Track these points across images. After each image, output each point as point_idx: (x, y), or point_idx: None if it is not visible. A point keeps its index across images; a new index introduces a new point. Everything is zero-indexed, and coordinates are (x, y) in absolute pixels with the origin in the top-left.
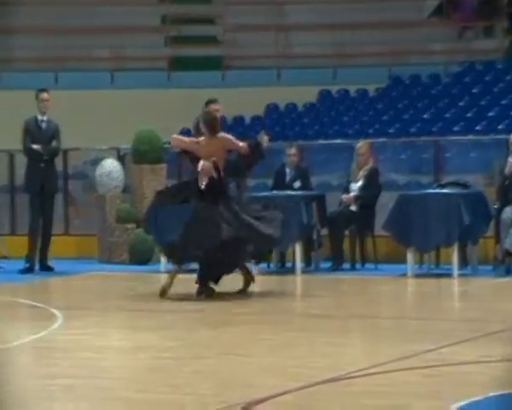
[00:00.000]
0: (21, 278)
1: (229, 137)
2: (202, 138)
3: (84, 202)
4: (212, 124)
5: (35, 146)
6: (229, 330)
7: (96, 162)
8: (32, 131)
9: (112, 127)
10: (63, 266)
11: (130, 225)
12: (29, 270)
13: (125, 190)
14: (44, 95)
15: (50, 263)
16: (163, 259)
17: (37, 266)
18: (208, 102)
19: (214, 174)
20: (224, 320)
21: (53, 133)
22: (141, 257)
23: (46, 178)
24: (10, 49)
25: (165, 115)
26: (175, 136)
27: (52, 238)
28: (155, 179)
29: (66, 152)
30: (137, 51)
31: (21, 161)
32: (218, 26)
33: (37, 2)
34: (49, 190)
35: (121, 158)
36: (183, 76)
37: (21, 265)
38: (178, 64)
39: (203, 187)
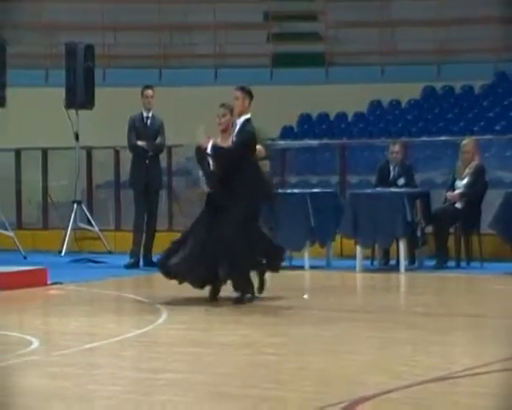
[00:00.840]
0: (126, 272)
1: None
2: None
3: (187, 198)
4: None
5: (140, 142)
6: (332, 327)
7: None
8: (138, 128)
9: (215, 123)
10: None
11: None
12: (133, 265)
13: None
14: (149, 91)
15: (154, 259)
16: None
17: (141, 262)
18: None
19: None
20: (327, 317)
21: (158, 130)
22: None
23: (151, 175)
24: (116, 46)
25: (267, 112)
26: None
27: (156, 234)
28: None
29: (170, 148)
30: (240, 48)
31: (126, 158)
32: (321, 22)
33: (151, 1)
34: (154, 187)
35: None
36: (285, 73)
37: (126, 260)
38: (281, 61)
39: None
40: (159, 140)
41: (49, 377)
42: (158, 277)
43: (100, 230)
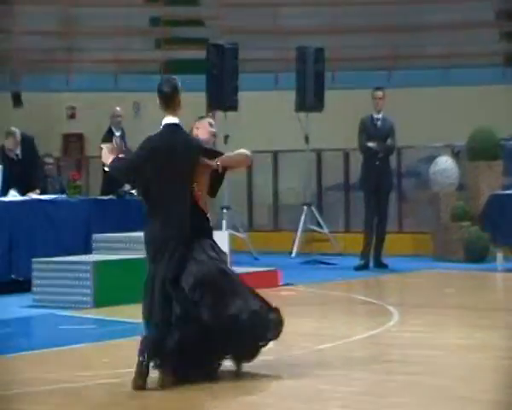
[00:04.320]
0: (356, 274)
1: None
2: None
3: (417, 199)
4: None
5: (371, 144)
6: None
7: (429, 160)
8: (368, 130)
9: (446, 124)
10: (397, 263)
11: (465, 223)
12: (364, 266)
13: (460, 187)
14: (379, 93)
15: (384, 260)
16: (499, 256)
17: (371, 263)
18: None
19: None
20: None
21: (388, 131)
22: (476, 255)
23: (381, 176)
24: (345, 49)
25: (499, 111)
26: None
27: (386, 236)
28: (491, 176)
29: (400, 150)
30: (472, 47)
31: (355, 159)
32: None
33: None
34: (384, 188)
35: (456, 155)
36: None
37: (355, 261)
38: None
39: None
40: (389, 141)
41: (280, 377)
42: (388, 279)
43: (330, 232)
